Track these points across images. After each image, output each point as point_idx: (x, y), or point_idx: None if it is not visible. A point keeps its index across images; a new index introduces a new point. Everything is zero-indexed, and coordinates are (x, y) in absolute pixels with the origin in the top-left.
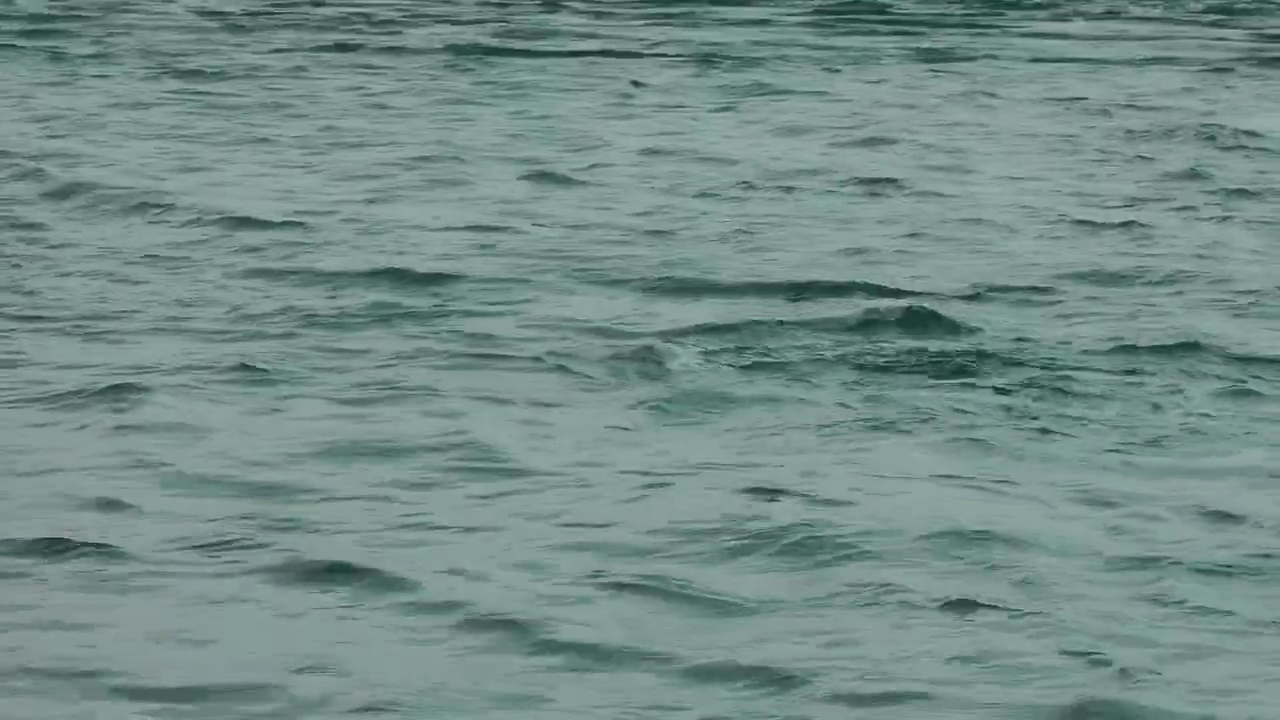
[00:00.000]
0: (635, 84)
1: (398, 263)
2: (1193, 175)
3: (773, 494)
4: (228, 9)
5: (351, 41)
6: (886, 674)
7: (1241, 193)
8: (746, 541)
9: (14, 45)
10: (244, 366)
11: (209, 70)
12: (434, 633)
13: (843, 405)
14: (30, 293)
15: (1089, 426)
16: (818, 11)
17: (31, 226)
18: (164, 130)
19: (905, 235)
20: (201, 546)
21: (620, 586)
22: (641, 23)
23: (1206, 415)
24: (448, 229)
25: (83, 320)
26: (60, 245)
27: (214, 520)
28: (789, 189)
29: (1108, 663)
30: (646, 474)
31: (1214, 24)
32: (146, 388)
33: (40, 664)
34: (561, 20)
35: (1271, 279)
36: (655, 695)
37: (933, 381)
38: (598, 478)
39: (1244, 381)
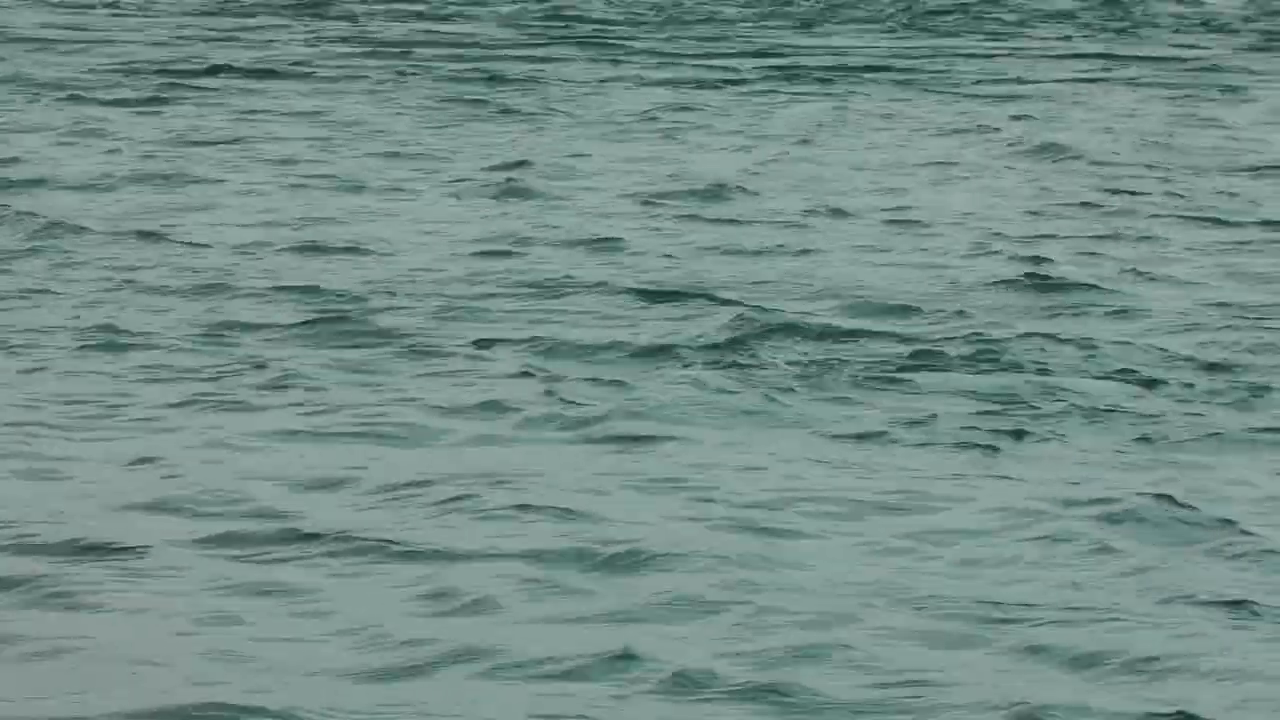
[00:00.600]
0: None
1: (375, 283)
2: (1143, 191)
3: (731, 494)
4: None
5: (314, 71)
6: (842, 677)
7: (1188, 205)
8: (713, 548)
9: None
10: (213, 386)
11: (179, 91)
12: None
13: (798, 413)
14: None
15: (1042, 431)
16: (782, 30)
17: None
18: (131, 152)
19: (857, 249)
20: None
21: (562, 592)
22: (593, 52)
23: (1162, 418)
24: (427, 246)
25: (55, 339)
26: (48, 268)
27: (186, 538)
28: (739, 207)
29: (1061, 662)
30: (608, 485)
31: (1167, 43)
32: (127, 405)
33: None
34: (521, 46)
35: (1223, 292)
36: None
37: (881, 388)
38: (560, 488)
39: (1191, 384)
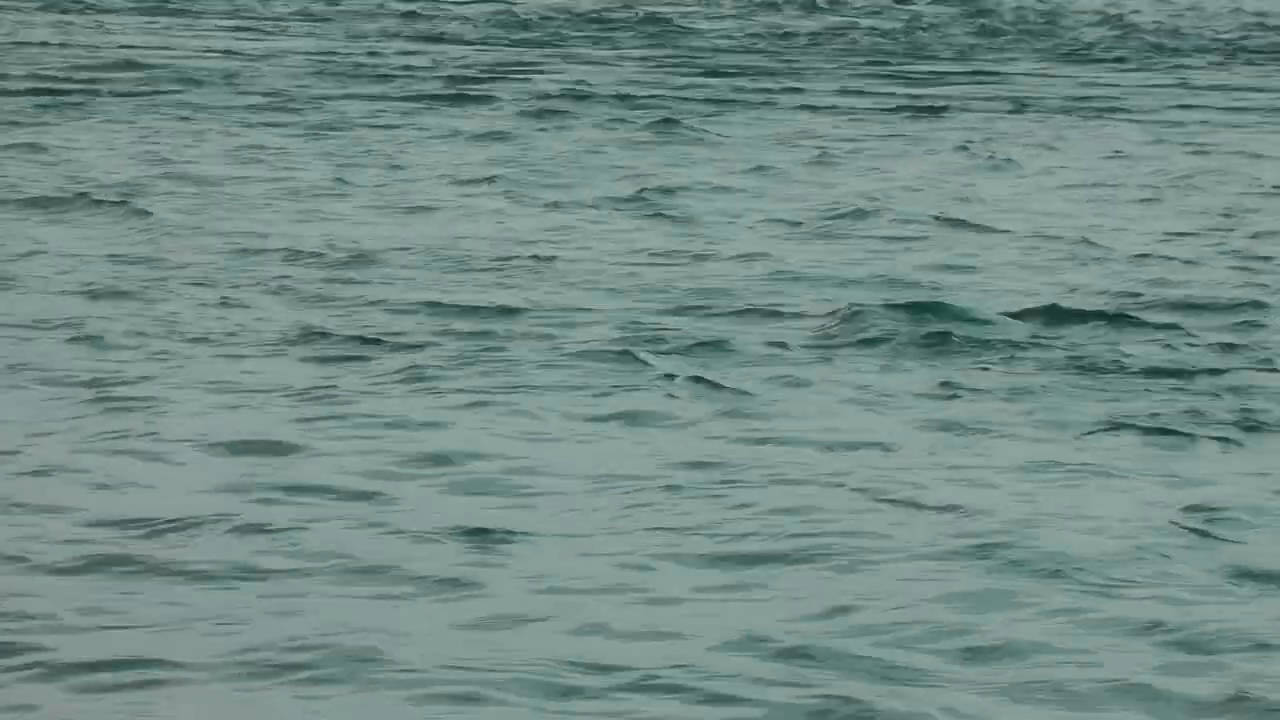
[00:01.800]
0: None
1: (426, 289)
2: (1243, 225)
3: (781, 483)
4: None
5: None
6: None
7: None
8: (758, 544)
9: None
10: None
11: (297, 115)
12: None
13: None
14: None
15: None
16: (901, 58)
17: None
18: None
19: (995, 262)
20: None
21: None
22: (689, 74)
23: (1211, 424)
24: (462, 258)
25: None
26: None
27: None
28: (833, 226)
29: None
30: (649, 477)
31: None
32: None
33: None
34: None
35: None
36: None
37: (947, 379)
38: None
39: (1253, 405)
